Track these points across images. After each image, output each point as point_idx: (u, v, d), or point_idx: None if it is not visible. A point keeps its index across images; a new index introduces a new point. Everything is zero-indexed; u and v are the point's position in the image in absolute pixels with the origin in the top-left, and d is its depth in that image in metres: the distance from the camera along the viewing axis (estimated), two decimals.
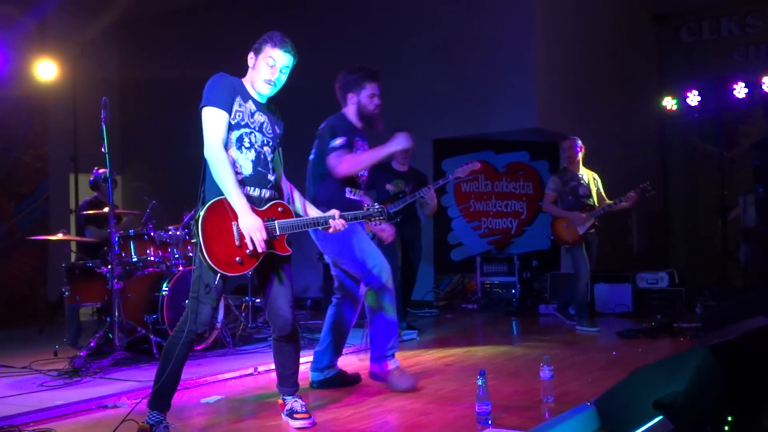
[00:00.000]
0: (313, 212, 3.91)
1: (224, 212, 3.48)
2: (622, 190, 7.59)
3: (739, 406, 3.00)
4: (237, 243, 3.47)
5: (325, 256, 4.88)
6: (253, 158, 3.64)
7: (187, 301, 3.69)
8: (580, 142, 7.51)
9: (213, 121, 3.53)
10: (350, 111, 4.84)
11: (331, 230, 3.84)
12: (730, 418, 2.98)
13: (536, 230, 10.07)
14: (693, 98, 10.02)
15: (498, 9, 9.59)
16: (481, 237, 10.27)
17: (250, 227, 3.45)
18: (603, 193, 7.55)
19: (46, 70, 8.51)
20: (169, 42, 11.94)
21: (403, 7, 10.31)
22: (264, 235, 3.48)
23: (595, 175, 7.60)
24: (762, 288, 8.11)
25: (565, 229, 7.35)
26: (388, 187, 7.20)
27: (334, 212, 3.84)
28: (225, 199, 3.48)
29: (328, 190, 4.64)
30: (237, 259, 3.47)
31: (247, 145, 3.63)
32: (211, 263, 3.40)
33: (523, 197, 10.25)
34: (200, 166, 3.60)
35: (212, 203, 3.47)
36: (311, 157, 4.81)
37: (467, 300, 9.76)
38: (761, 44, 11.14)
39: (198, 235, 3.41)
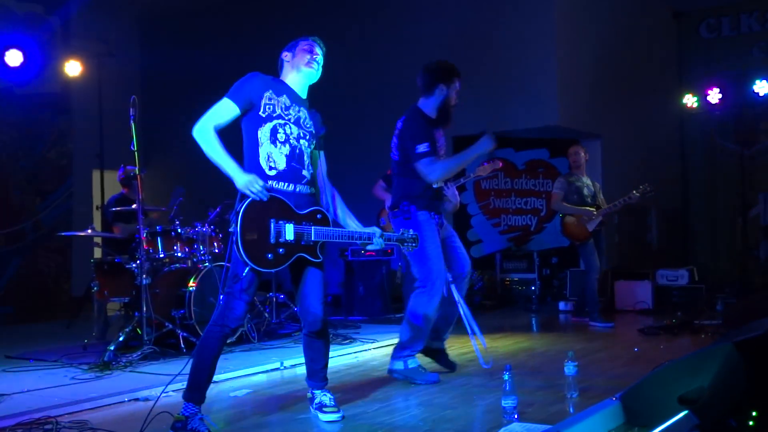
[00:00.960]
0: (352, 223, 3.97)
1: (264, 209, 3.55)
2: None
3: (763, 401, 3.04)
4: (272, 240, 3.55)
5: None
6: (288, 153, 3.71)
7: (213, 297, 3.78)
8: (583, 152, 7.85)
9: (218, 107, 3.68)
10: (430, 102, 4.97)
11: (370, 247, 3.94)
12: (754, 413, 3.02)
13: (556, 227, 10.07)
14: (713, 95, 10.01)
15: (519, 6, 9.62)
16: (501, 234, 10.32)
17: (247, 183, 3.52)
18: (602, 198, 7.81)
19: (71, 68, 8.63)
20: (192, 40, 12.04)
21: (423, 4, 10.35)
22: (258, 186, 3.53)
23: (595, 182, 7.93)
24: None
25: (575, 226, 7.60)
26: None
27: (376, 230, 3.91)
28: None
29: (419, 185, 4.80)
30: (269, 255, 3.55)
31: (281, 138, 3.70)
32: (244, 255, 3.48)
33: (542, 194, 10.28)
34: None
35: (253, 200, 3.54)
36: (395, 156, 4.94)
37: (486, 297, 9.80)
38: None
39: (237, 227, 3.48)
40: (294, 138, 3.75)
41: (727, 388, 3.23)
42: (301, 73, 3.85)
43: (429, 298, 4.71)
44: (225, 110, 3.66)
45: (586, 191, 7.70)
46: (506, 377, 3.71)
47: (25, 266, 11.17)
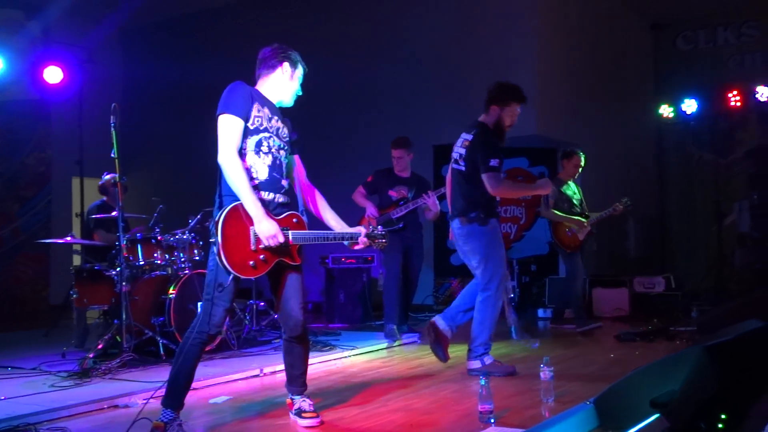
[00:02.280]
0: (336, 223, 4.02)
1: (242, 216, 3.60)
2: (620, 196, 7.79)
3: (732, 405, 3.11)
4: (252, 247, 3.59)
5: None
6: (270, 163, 3.75)
7: (193, 305, 3.81)
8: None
9: (229, 128, 3.63)
10: (489, 120, 5.41)
11: (357, 247, 4.01)
12: (723, 416, 3.09)
13: (535, 235, 10.17)
14: (689, 106, 10.16)
15: (498, 16, 9.72)
16: None
17: (268, 232, 3.57)
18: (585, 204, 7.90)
19: (51, 74, 8.58)
20: (173, 48, 12.06)
21: (403, 13, 10.44)
22: (281, 239, 3.61)
23: (579, 188, 8.00)
24: (756, 292, 8.23)
25: (567, 235, 7.61)
26: (391, 193, 7.33)
27: (361, 229, 3.99)
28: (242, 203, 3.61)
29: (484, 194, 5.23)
30: (251, 263, 3.59)
31: (265, 150, 3.74)
32: (226, 264, 3.51)
33: (522, 203, 10.35)
34: (205, 170, 3.72)
35: (232, 207, 3.58)
36: (461, 166, 5.37)
37: None
38: (757, 53, 11.29)
39: (217, 237, 3.52)
40: (275, 149, 3.80)
41: (697, 391, 3.30)
42: (290, 89, 3.92)
43: (496, 300, 5.22)
44: (236, 129, 3.65)
45: (575, 199, 7.74)
46: (483, 382, 3.77)
47: (2, 273, 11.12)
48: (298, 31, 10.94)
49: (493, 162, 5.14)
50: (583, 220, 7.60)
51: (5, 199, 11.22)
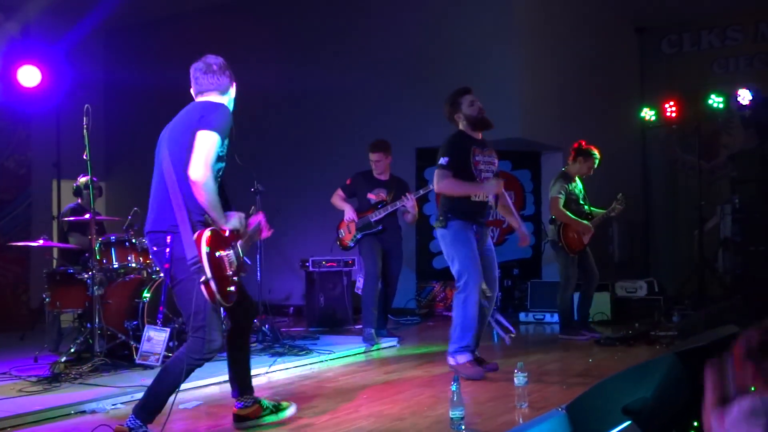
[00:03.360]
0: None
1: (217, 242, 3.48)
2: (605, 200, 7.72)
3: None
4: (229, 272, 3.51)
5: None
6: (218, 187, 3.64)
7: (167, 308, 3.74)
8: None
9: (215, 148, 3.53)
10: (462, 126, 5.54)
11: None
12: (696, 423, 3.04)
13: (517, 239, 10.12)
14: (671, 109, 10.14)
15: (481, 19, 9.67)
16: None
17: (240, 222, 3.62)
18: None
19: (28, 75, 8.48)
20: (154, 49, 11.96)
21: (385, 15, 10.37)
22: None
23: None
24: (737, 297, 8.21)
25: (574, 238, 7.32)
26: (370, 196, 7.27)
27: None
28: (211, 228, 3.50)
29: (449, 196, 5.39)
30: (232, 288, 3.52)
31: (219, 176, 3.66)
32: (220, 300, 3.43)
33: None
34: None
35: (213, 232, 3.47)
36: None
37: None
38: (741, 57, 11.28)
39: (206, 273, 3.36)
40: (221, 173, 3.74)
41: (669, 398, 3.25)
42: (230, 103, 3.86)
43: (467, 298, 5.23)
44: (216, 152, 3.54)
45: (581, 197, 7.45)
46: (454, 388, 3.71)
47: None
48: (279, 34, 10.90)
49: (442, 160, 5.26)
50: (589, 224, 7.31)
51: None
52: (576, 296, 7.64)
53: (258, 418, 3.94)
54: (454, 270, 5.33)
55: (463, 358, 5.22)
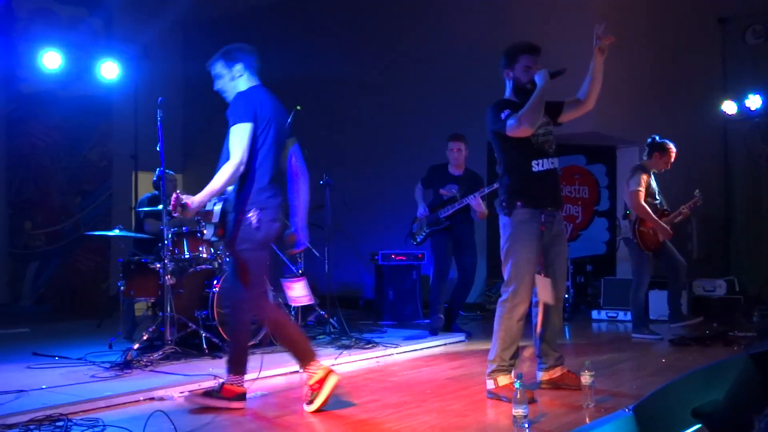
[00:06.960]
0: None
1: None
2: (683, 196, 7.47)
3: None
4: None
5: None
6: None
7: None
8: None
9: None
10: (507, 90, 4.81)
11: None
12: None
13: (591, 234, 9.94)
14: (754, 102, 9.77)
15: (558, 8, 9.48)
16: None
17: None
18: None
19: (109, 70, 8.72)
20: (234, 43, 12.12)
21: (461, 4, 10.25)
22: None
23: None
24: None
25: (649, 234, 7.04)
26: (442, 192, 7.24)
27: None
28: None
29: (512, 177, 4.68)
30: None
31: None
32: None
33: (578, 201, 10.13)
34: None
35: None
36: None
37: None
38: None
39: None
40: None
41: (742, 401, 3.12)
42: (242, 81, 4.75)
43: (510, 309, 4.57)
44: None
45: (659, 196, 7.18)
46: (517, 385, 3.64)
47: (63, 266, 11.40)
48: (356, 24, 10.91)
49: (503, 114, 4.51)
50: (668, 228, 6.99)
51: (67, 192, 11.49)
52: (657, 294, 7.35)
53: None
54: (504, 271, 4.58)
55: (503, 380, 4.45)
